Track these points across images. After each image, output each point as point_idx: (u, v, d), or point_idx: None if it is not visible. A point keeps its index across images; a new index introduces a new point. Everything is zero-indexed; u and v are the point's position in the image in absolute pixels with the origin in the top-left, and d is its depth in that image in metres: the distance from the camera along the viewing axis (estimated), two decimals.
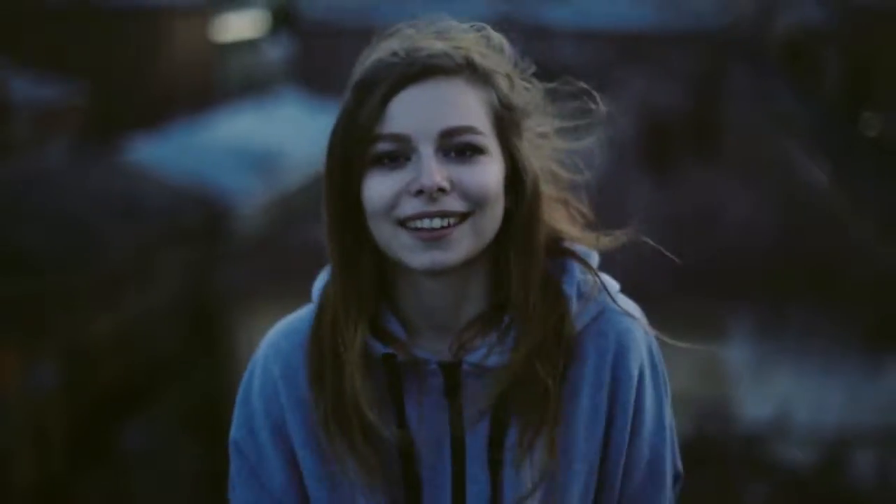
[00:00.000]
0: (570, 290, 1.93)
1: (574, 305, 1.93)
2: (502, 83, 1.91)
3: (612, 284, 2.00)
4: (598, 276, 1.98)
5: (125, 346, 24.77)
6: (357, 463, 1.92)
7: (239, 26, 52.13)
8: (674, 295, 22.84)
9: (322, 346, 1.95)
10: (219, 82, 47.82)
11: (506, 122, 1.89)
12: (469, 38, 1.93)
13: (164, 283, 25.79)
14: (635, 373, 1.94)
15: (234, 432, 2.06)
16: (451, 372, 1.90)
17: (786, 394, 21.17)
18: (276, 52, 52.86)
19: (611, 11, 44.80)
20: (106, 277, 23.95)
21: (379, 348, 1.93)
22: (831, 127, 37.26)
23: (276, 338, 2.02)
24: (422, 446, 1.92)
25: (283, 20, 55.05)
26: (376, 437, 1.91)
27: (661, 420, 1.99)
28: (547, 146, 1.98)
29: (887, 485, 17.05)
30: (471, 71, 1.88)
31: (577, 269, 1.96)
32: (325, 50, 46.45)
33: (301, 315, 2.00)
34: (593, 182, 2.07)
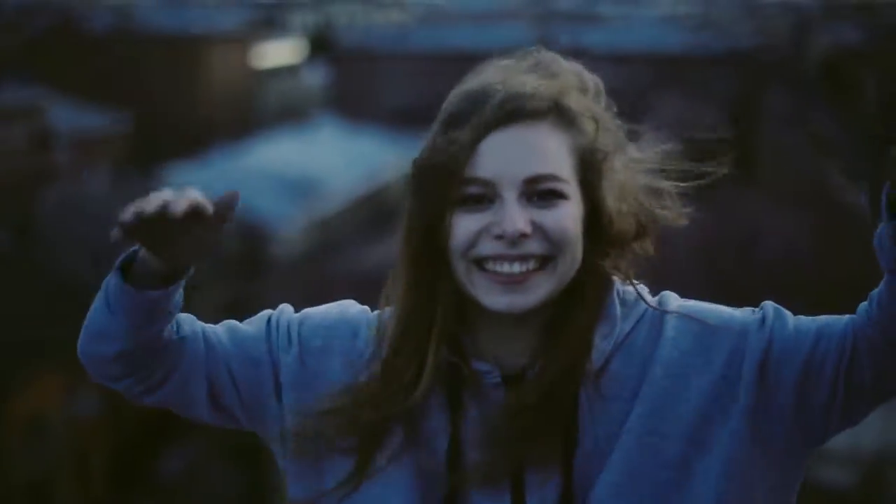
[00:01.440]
0: (613, 299, 1.95)
1: (618, 313, 1.94)
2: (588, 127, 1.91)
3: (645, 290, 2.01)
4: (635, 286, 1.98)
5: None
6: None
7: (277, 53, 52.40)
8: None
9: (401, 340, 1.96)
10: (258, 108, 48.07)
11: (588, 165, 1.90)
12: (560, 78, 1.93)
13: (205, 308, 25.88)
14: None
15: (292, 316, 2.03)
16: (518, 390, 1.93)
17: None
18: (313, 79, 53.06)
19: (647, 34, 44.78)
20: None
21: (447, 355, 1.93)
22: (870, 149, 37.10)
23: (367, 314, 2.05)
24: (471, 463, 1.92)
25: (321, 47, 55.28)
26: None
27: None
28: (631, 183, 1.99)
29: None
30: (557, 114, 1.88)
31: (616, 281, 1.98)
32: (362, 75, 46.54)
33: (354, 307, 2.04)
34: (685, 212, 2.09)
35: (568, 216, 1.86)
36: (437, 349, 1.91)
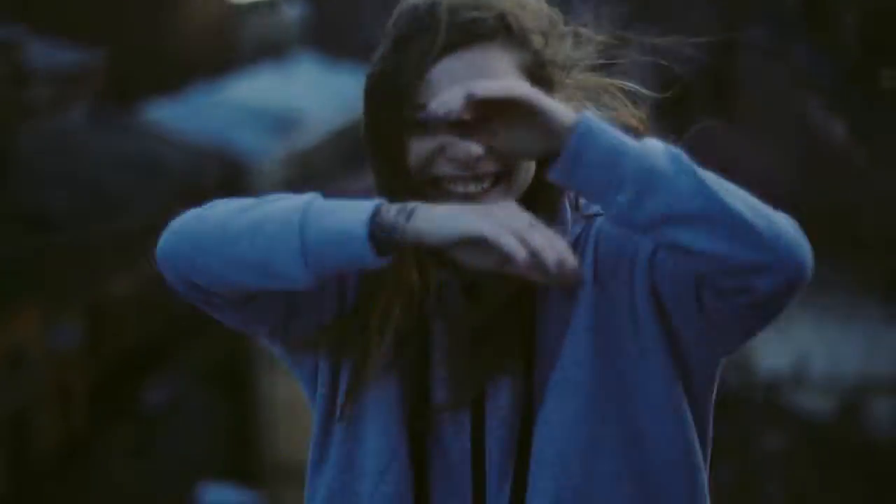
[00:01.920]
0: (564, 201, 1.95)
1: (569, 216, 1.95)
2: (537, 42, 1.94)
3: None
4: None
5: (146, 303, 24.86)
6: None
7: None
8: None
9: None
10: (236, 44, 47.75)
11: (539, 81, 1.91)
12: None
13: None
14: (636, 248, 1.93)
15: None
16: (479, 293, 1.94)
17: (804, 344, 21.17)
18: (293, 13, 52.70)
19: None
20: (126, 237, 24.05)
21: (435, 273, 1.93)
22: (849, 81, 37.04)
23: None
24: (438, 368, 1.94)
25: None
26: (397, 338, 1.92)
27: None
28: (584, 94, 2.00)
29: None
30: (505, 34, 1.90)
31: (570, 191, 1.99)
32: (341, 10, 46.27)
33: None
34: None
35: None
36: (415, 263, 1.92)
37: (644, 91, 2.15)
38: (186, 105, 32.86)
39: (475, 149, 1.84)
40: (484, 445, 1.91)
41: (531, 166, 1.90)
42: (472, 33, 1.88)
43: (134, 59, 39.64)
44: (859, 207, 24.98)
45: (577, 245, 1.93)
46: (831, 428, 17.85)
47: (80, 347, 24.58)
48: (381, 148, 1.92)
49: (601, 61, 2.04)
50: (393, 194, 1.86)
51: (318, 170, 31.12)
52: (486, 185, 1.87)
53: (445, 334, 1.93)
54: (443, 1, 1.91)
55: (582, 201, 1.99)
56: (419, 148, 1.88)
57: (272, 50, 45.11)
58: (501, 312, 1.91)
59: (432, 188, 1.87)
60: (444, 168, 1.87)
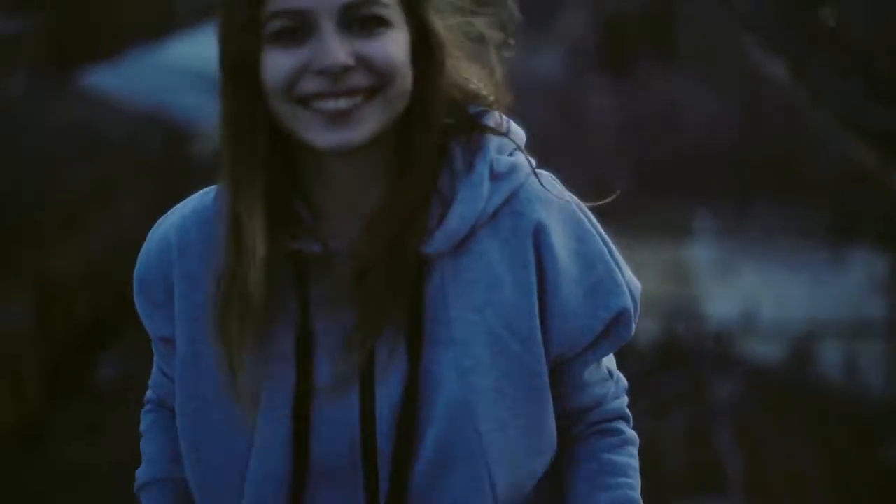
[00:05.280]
0: (483, 168, 1.84)
1: (486, 186, 1.84)
2: None
3: (529, 162, 1.88)
4: (521, 151, 1.88)
5: (94, 277, 24.66)
6: (234, 349, 1.84)
7: None
8: (635, 196, 22.82)
9: (227, 229, 1.85)
10: (173, 5, 47.35)
11: None
12: None
13: (128, 208, 25.66)
14: (560, 245, 1.85)
15: (134, 296, 2.00)
16: (360, 264, 1.82)
17: (751, 289, 21.25)
18: None
19: None
20: (68, 207, 23.81)
21: (286, 244, 1.83)
22: (788, 20, 37.15)
23: (183, 209, 1.95)
24: (322, 350, 1.84)
25: None
26: (268, 333, 1.83)
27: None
28: (457, 14, 1.88)
29: (854, 375, 17.16)
30: None
31: (492, 147, 1.86)
32: None
33: (209, 193, 1.92)
34: (509, 54, 1.96)
35: (393, 42, 1.76)
36: (260, 211, 1.80)
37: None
38: (125, 69, 32.56)
39: (344, 57, 1.73)
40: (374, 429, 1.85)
41: (407, 84, 1.79)
42: None
43: (71, 24, 39.22)
44: (801, 149, 25.10)
45: (491, 220, 1.84)
46: (782, 374, 17.95)
47: (29, 324, 24.38)
48: (235, 69, 1.79)
49: None
50: (253, 122, 1.75)
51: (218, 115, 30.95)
52: (358, 99, 1.77)
53: (326, 312, 1.83)
54: None
55: (496, 162, 1.87)
56: (278, 64, 1.76)
57: (210, 11, 44.84)
58: (380, 278, 1.81)
59: (300, 108, 1.76)
60: (309, 84, 1.78)
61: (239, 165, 1.82)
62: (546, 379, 1.91)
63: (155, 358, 2.09)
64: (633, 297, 1.95)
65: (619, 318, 1.97)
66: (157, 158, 28.79)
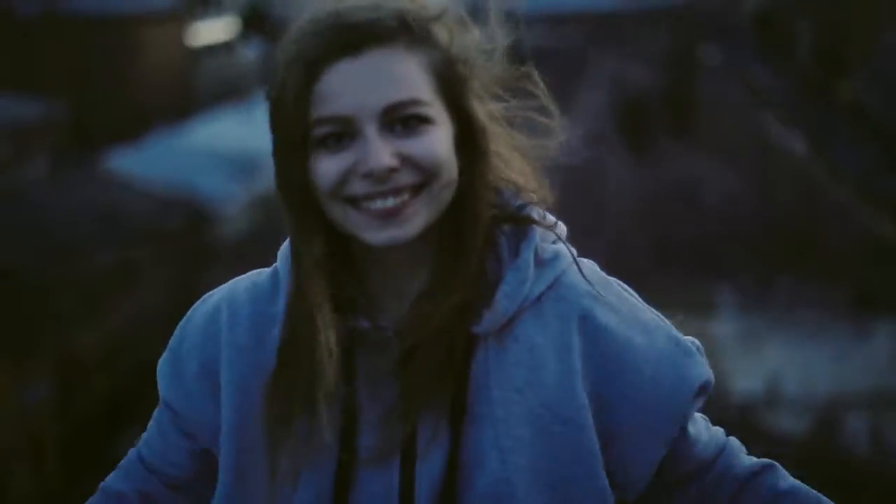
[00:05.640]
0: (528, 255, 1.85)
1: (531, 272, 1.85)
2: (442, 39, 1.81)
3: (571, 251, 1.90)
4: (563, 242, 1.89)
5: (115, 354, 24.72)
6: (284, 421, 1.86)
7: (212, 31, 52.04)
8: (659, 271, 22.81)
9: (290, 309, 1.88)
10: (195, 88, 47.70)
11: (450, 80, 1.81)
12: None
13: (150, 288, 25.75)
14: (612, 327, 1.86)
15: (161, 360, 2.01)
16: (407, 342, 1.84)
17: (775, 363, 21.19)
18: (250, 55, 52.75)
19: None
20: (91, 287, 23.93)
21: (338, 318, 1.85)
22: (806, 96, 37.27)
23: (235, 286, 1.96)
24: (366, 423, 1.85)
25: (255, 24, 54.91)
26: (319, 404, 1.84)
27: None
28: (494, 97, 1.89)
29: (879, 445, 17.12)
30: (407, 34, 1.78)
31: (536, 235, 1.87)
32: None
33: (263, 274, 1.95)
34: (557, 144, 1.97)
35: (435, 138, 1.75)
36: (324, 296, 1.83)
37: (540, 81, 2.01)
38: (148, 152, 32.83)
39: (387, 159, 1.75)
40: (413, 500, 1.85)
41: (453, 175, 1.81)
42: (368, 34, 1.76)
43: (94, 107, 39.54)
44: (821, 223, 25.09)
45: (534, 305, 1.85)
46: (807, 446, 17.87)
47: (51, 400, 24.42)
48: (290, 170, 1.82)
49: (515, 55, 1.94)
50: (306, 222, 1.78)
51: (281, 213, 31.10)
52: (405, 196, 1.78)
53: (371, 386, 1.85)
54: (338, 7, 1.79)
55: (541, 249, 1.89)
56: (326, 168, 1.78)
57: (231, 92, 45.08)
58: (427, 356, 1.83)
59: (350, 208, 1.78)
60: (357, 187, 1.75)
61: (306, 264, 1.87)
62: (591, 463, 1.89)
63: (154, 420, 2.09)
64: (703, 356, 1.96)
65: (703, 390, 1.97)
66: (179, 239, 28.94)
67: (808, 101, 36.60)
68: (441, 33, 1.80)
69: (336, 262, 1.86)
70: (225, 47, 52.77)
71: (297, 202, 1.83)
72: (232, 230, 30.28)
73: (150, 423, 2.11)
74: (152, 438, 2.10)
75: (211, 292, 2.03)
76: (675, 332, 1.91)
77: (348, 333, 1.84)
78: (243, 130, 34.51)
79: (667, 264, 22.87)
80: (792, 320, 22.36)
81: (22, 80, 37.31)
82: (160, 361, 2.01)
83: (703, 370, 1.92)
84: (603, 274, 1.94)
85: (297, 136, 1.80)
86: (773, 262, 22.55)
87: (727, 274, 25.34)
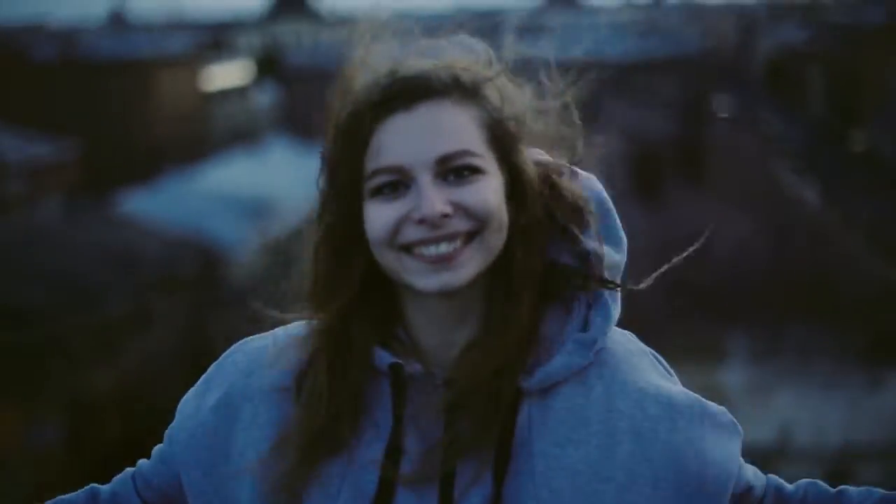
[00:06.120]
0: (597, 333, 1.90)
1: (597, 346, 1.89)
2: (492, 95, 1.87)
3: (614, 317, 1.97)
4: (616, 288, 1.94)
5: (126, 396, 24.73)
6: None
7: (225, 75, 52.28)
8: (670, 320, 22.83)
9: (321, 355, 1.91)
10: (208, 131, 47.92)
11: (500, 134, 1.86)
12: (454, 53, 1.89)
13: (162, 332, 25.79)
14: (650, 395, 1.91)
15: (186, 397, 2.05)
16: (455, 390, 1.87)
17: (787, 413, 21.16)
18: (263, 99, 52.99)
19: (593, 42, 44.95)
20: (104, 330, 23.95)
21: (386, 357, 1.88)
22: (819, 145, 37.32)
23: (274, 334, 2.00)
24: (407, 458, 1.87)
25: (268, 67, 55.20)
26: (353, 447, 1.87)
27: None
28: (546, 142, 1.94)
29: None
30: (459, 90, 1.84)
31: (612, 310, 1.92)
32: (311, 94, 46.48)
33: (289, 329, 1.99)
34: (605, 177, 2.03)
35: (487, 188, 1.80)
36: (366, 353, 1.87)
37: (602, 138, 2.07)
38: (160, 194, 32.94)
39: (441, 206, 1.79)
40: None
41: (504, 225, 1.85)
42: (422, 88, 1.82)
43: (107, 149, 39.74)
44: (834, 271, 25.10)
45: (579, 374, 1.89)
46: None
47: (62, 444, 24.41)
48: (343, 219, 1.86)
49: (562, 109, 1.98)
50: (348, 267, 1.82)
51: (294, 255, 31.20)
52: (457, 243, 1.82)
53: (417, 425, 1.87)
54: (393, 64, 1.85)
55: (592, 319, 1.93)
56: (381, 216, 1.82)
57: (244, 136, 45.29)
58: (476, 406, 1.86)
59: (403, 254, 1.82)
60: (411, 233, 1.80)
61: (341, 307, 1.92)
62: None
63: (158, 447, 2.12)
64: (739, 430, 2.04)
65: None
66: (192, 282, 28.99)
67: (820, 149, 36.67)
68: (492, 91, 1.86)
69: (379, 310, 1.90)
70: (238, 91, 53.04)
71: (343, 248, 1.88)
72: (243, 274, 30.35)
73: (154, 455, 2.15)
74: (147, 462, 2.15)
75: (243, 341, 2.07)
76: (704, 402, 1.96)
77: (398, 373, 1.88)
78: (256, 174, 34.67)
79: (678, 312, 22.84)
80: (804, 369, 22.31)
81: (37, 121, 37.53)
82: (192, 393, 2.03)
83: (737, 450, 2.00)
84: (641, 345, 1.99)
85: (353, 186, 1.85)
86: (785, 310, 22.50)
87: (739, 322, 25.31)
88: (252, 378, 1.95)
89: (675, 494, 1.88)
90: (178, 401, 2.03)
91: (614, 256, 1.94)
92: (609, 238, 1.96)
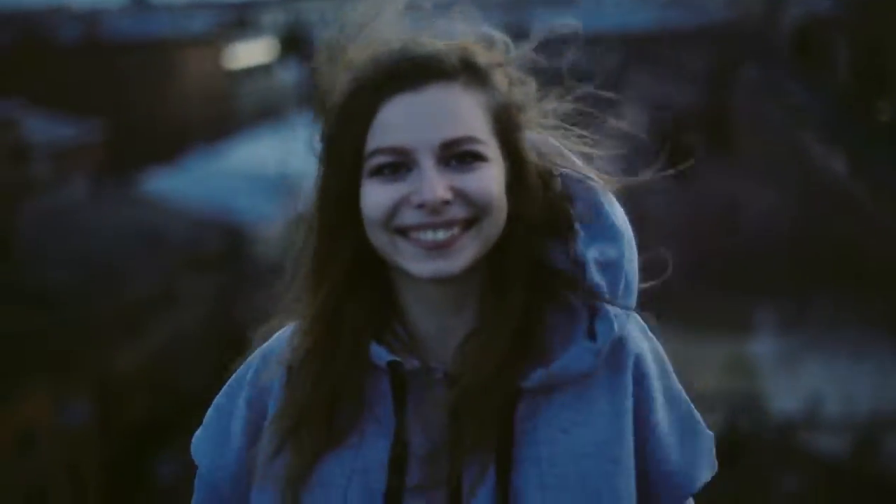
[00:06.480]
0: (603, 344, 1.87)
1: (602, 356, 1.88)
2: (501, 81, 1.83)
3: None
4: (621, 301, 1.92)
5: (153, 376, 24.81)
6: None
7: (250, 53, 52.30)
8: (699, 292, 22.77)
9: (317, 349, 1.89)
10: (233, 110, 47.95)
11: (506, 122, 1.82)
12: (467, 35, 1.84)
13: (189, 311, 25.84)
14: (654, 378, 1.89)
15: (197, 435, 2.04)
16: (457, 386, 1.85)
17: (815, 383, 21.08)
18: (288, 77, 53.01)
19: (617, 14, 44.74)
20: (131, 310, 24.03)
21: (384, 355, 1.86)
22: (845, 115, 37.14)
23: (279, 336, 1.98)
24: (413, 457, 1.85)
25: (293, 44, 55.19)
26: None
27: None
28: (553, 127, 1.91)
29: None
30: (469, 73, 1.80)
31: (615, 325, 1.90)
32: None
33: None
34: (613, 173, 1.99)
35: (489, 177, 1.76)
36: (361, 343, 1.85)
37: (617, 123, 2.03)
38: (186, 173, 33.01)
39: (442, 191, 1.77)
40: None
41: (502, 215, 1.82)
42: (430, 69, 1.77)
43: (132, 129, 39.82)
44: (861, 241, 24.97)
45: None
46: (847, 466, 17.71)
47: (90, 424, 24.53)
48: (338, 197, 1.83)
49: (571, 96, 1.95)
50: (339, 247, 1.80)
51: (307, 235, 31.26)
52: (455, 230, 1.80)
53: (420, 421, 1.85)
54: (404, 42, 1.81)
55: (597, 327, 1.92)
56: (378, 197, 1.79)
57: (269, 114, 45.30)
58: (479, 399, 1.84)
59: (399, 238, 1.79)
60: (408, 217, 1.76)
61: (330, 287, 1.88)
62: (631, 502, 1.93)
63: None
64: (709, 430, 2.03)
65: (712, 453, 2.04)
66: (217, 260, 29.05)
67: (847, 119, 36.48)
68: (499, 79, 1.83)
69: (375, 295, 1.87)
70: (263, 69, 53.05)
71: (337, 227, 1.84)
72: (270, 251, 30.39)
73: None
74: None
75: (260, 349, 2.05)
76: (691, 407, 1.96)
77: (396, 370, 1.85)
78: (281, 152, 34.71)
79: (705, 283, 22.79)
80: (831, 339, 22.24)
81: (62, 103, 37.62)
82: (235, 376, 2.03)
83: (709, 438, 1.98)
84: (648, 332, 1.96)
85: (352, 163, 1.82)
86: (813, 280, 22.43)
87: (766, 293, 25.23)
88: (264, 381, 1.94)
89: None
90: (204, 379, 2.03)
91: (610, 253, 1.90)
92: (602, 236, 1.92)
